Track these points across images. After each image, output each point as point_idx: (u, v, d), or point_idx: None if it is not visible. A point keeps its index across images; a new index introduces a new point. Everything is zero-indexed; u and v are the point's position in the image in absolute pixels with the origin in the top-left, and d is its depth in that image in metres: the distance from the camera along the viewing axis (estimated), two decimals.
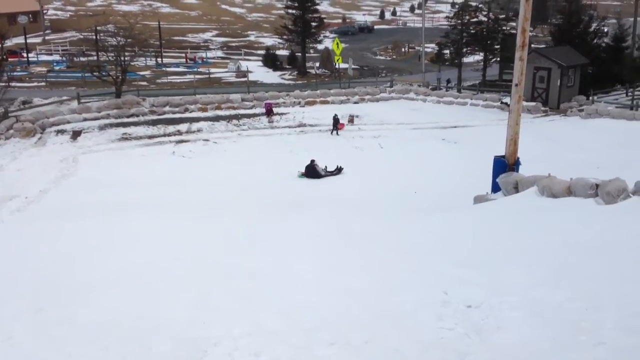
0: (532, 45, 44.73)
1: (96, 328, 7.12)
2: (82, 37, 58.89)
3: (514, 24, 43.92)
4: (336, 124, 31.53)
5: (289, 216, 16.28)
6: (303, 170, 24.59)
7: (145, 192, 20.58)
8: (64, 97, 36.68)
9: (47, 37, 74.53)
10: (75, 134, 30.92)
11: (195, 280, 8.88)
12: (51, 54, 64.45)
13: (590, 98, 35.56)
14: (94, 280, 9.08)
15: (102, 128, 32.14)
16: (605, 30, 42.34)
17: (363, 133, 31.78)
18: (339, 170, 25.10)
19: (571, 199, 12.14)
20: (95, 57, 46.19)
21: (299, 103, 38.69)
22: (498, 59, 46.36)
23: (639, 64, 37.62)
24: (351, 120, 34.30)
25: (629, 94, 37.03)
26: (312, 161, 24.73)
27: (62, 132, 31.26)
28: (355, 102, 39.43)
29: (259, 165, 25.84)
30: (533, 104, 35.87)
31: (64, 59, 60.91)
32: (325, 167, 24.98)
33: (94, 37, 49.59)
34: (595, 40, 41.85)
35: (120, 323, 7.23)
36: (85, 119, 33.10)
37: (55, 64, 57.46)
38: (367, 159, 25.83)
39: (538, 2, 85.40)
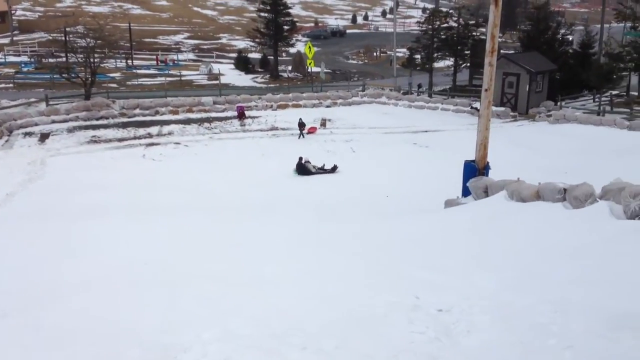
0: (502, 51, 45.36)
1: (63, 334, 7.00)
2: (51, 38, 57.91)
3: (483, 29, 44.40)
4: (301, 128, 31.62)
5: (259, 220, 16.21)
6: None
7: (115, 196, 20.32)
8: (32, 99, 36.15)
9: (15, 38, 73.35)
10: (44, 137, 30.44)
11: (165, 285, 8.78)
12: (19, 55, 63.39)
13: (558, 104, 36.09)
14: (60, 285, 8.94)
15: (70, 130, 31.68)
16: (571, 39, 43.00)
17: (335, 137, 31.82)
18: (332, 169, 25.39)
19: (540, 204, 12.29)
20: (64, 59, 45.59)
21: (271, 106, 38.63)
22: (468, 64, 46.80)
23: (605, 71, 38.26)
24: (323, 124, 34.34)
25: (596, 99, 37.69)
26: (300, 158, 25.17)
27: (29, 134, 30.75)
28: (327, 106, 39.48)
29: (230, 169, 25.69)
30: (502, 109, 36.29)
31: (32, 60, 59.97)
32: (323, 165, 25.47)
33: (63, 38, 48.94)
34: (562, 47, 42.51)
35: (88, 328, 7.11)
36: (53, 121, 32.59)
37: (23, 65, 56.56)
38: (339, 163, 25.85)
39: (507, 9, 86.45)
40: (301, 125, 31.66)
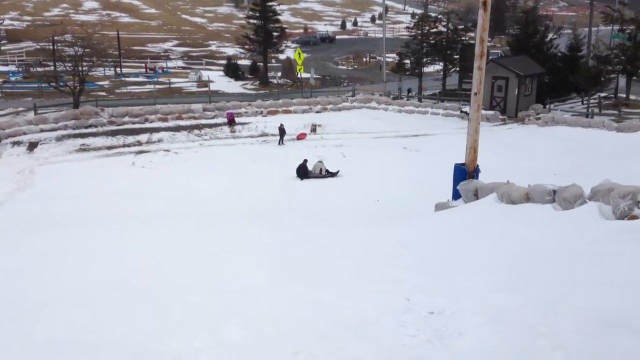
0: (490, 55, 45.53)
1: (52, 344, 6.92)
2: (39, 47, 57.81)
3: (472, 34, 44.58)
4: (282, 134, 31.68)
5: (250, 226, 16.16)
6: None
7: (104, 204, 20.24)
8: (20, 108, 36.04)
9: (2, 48, 73.10)
10: (32, 146, 30.31)
11: (154, 293, 8.72)
12: (7, 65, 63.22)
13: (547, 106, 36.31)
14: (49, 294, 8.85)
15: (59, 139, 31.57)
16: (557, 44, 43.27)
17: (325, 142, 31.87)
18: (332, 174, 25.69)
19: (529, 205, 12.31)
20: (52, 68, 45.42)
21: (261, 113, 38.66)
22: (457, 68, 46.99)
23: (593, 73, 38.50)
24: (314, 129, 34.40)
25: (585, 102, 37.91)
26: (305, 161, 25.64)
27: (18, 143, 30.63)
28: (317, 112, 39.57)
29: (220, 175, 25.66)
30: (492, 112, 36.45)
31: (20, 69, 59.81)
32: (327, 169, 25.81)
33: (51, 47, 48.76)
34: (551, 50, 42.75)
35: (77, 338, 7.04)
36: (42, 130, 32.49)
37: (11, 74, 56.39)
38: (329, 167, 25.86)
39: (496, 13, 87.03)
40: (282, 131, 31.73)
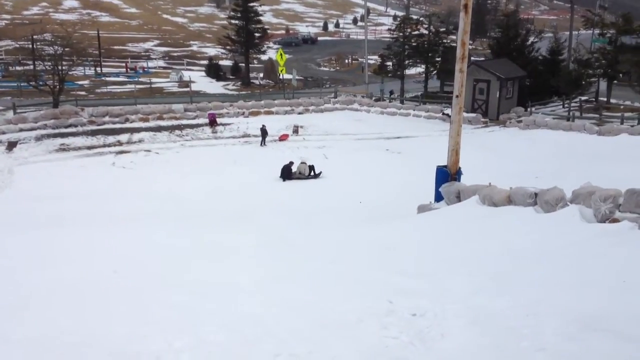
0: (472, 58, 45.81)
1: (31, 345, 6.80)
2: (18, 46, 57.21)
3: (454, 37, 44.77)
4: (264, 135, 31.62)
5: (231, 227, 16.08)
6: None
7: (84, 204, 20.03)
8: None
9: None
10: (11, 145, 29.91)
11: (134, 294, 8.62)
12: None
13: (529, 109, 36.56)
14: (27, 295, 8.71)
15: (39, 139, 31.19)
16: (538, 48, 43.64)
17: (308, 144, 31.83)
18: (315, 175, 25.90)
19: (511, 208, 12.38)
20: (31, 67, 44.92)
21: (243, 113, 38.51)
22: (439, 71, 47.14)
23: (574, 77, 38.84)
24: (296, 130, 34.35)
25: (566, 105, 38.23)
26: (291, 163, 25.81)
27: None
28: (299, 113, 39.50)
29: (202, 176, 25.52)
30: (473, 115, 36.62)
31: None
32: (313, 169, 26.02)
33: (31, 45, 48.27)
34: (532, 54, 43.08)
35: (56, 339, 6.92)
36: (21, 130, 32.04)
37: None
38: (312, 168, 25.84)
39: (477, 16, 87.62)
40: (264, 132, 31.66)
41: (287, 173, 25.44)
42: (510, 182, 13.38)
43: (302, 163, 25.97)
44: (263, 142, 31.66)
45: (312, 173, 25.82)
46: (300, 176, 25.50)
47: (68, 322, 7.44)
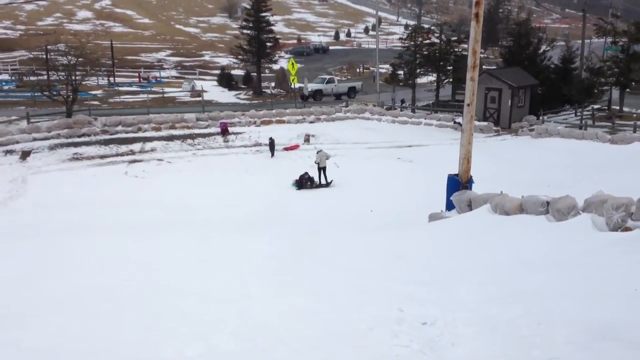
0: (483, 67, 45.75)
1: (41, 353, 6.83)
2: (32, 56, 57.81)
3: (465, 45, 44.76)
4: (272, 147, 31.64)
5: (242, 236, 16.10)
6: (297, 178, 26.05)
7: (97, 213, 20.15)
8: (13, 117, 35.88)
9: None
10: (25, 154, 30.15)
11: (145, 302, 8.64)
12: (0, 74, 63.03)
13: (541, 118, 36.44)
14: (39, 303, 8.75)
15: (52, 148, 31.41)
16: (550, 56, 43.50)
17: None
18: (326, 184, 26.16)
19: (523, 216, 12.32)
20: (45, 77, 45.29)
21: (255, 122, 38.61)
22: (450, 79, 47.11)
23: (587, 85, 38.69)
24: (307, 139, 34.39)
25: (578, 113, 38.07)
26: (306, 173, 26.05)
27: (10, 152, 30.43)
28: (311, 122, 39.54)
29: (214, 185, 25.61)
30: (485, 123, 36.54)
31: (13, 78, 59.67)
32: (326, 178, 26.30)
33: (44, 56, 48.70)
34: (544, 62, 42.96)
35: (67, 347, 6.95)
36: (35, 139, 32.30)
37: (4, 83, 56.24)
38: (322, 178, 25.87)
39: (489, 25, 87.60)
40: (272, 145, 31.62)
41: (301, 183, 25.53)
42: (522, 190, 13.33)
43: (319, 152, 26.46)
44: (272, 154, 31.67)
45: (324, 177, 26.19)
46: (314, 186, 25.66)
47: (79, 329, 7.46)
